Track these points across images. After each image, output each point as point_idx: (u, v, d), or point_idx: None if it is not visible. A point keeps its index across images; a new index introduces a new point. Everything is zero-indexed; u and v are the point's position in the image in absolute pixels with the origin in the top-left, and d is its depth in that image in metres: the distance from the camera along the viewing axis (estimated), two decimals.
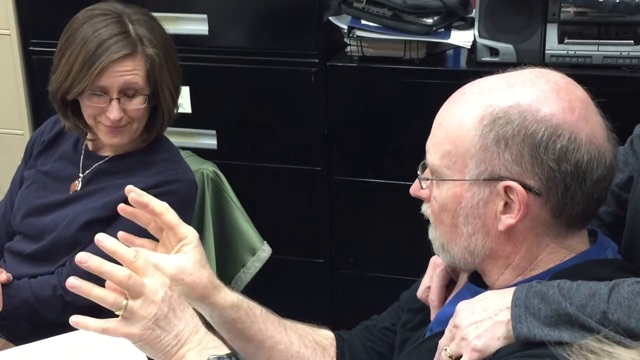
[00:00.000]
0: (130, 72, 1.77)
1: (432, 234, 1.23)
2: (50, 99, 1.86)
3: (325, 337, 1.42)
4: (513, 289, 1.10)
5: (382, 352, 1.40)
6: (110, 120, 1.77)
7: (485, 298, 1.11)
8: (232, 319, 1.28)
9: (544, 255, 1.15)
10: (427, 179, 1.19)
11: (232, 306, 1.27)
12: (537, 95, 1.11)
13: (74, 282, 1.04)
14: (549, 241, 1.15)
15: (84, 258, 1.04)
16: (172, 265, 1.21)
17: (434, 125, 1.19)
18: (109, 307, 1.06)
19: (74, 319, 1.06)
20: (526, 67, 1.18)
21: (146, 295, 1.06)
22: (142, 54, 1.79)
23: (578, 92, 1.14)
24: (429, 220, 1.24)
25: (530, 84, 1.13)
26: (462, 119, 1.13)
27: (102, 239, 1.09)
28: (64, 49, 1.79)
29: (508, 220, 1.12)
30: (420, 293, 1.35)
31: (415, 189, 1.23)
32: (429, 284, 1.33)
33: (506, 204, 1.12)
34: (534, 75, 1.15)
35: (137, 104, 1.79)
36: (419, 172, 1.22)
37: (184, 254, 1.23)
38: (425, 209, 1.23)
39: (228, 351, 1.10)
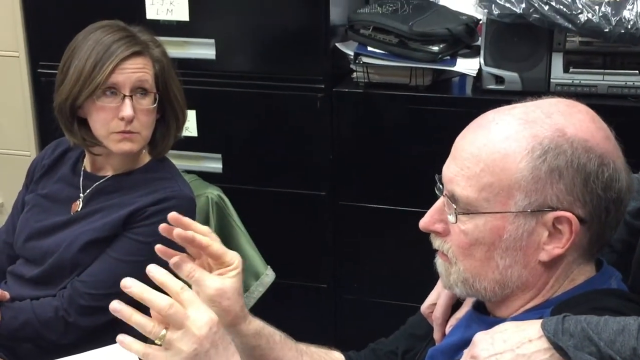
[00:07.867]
0: (141, 69, 1.81)
1: (448, 268, 1.18)
2: (56, 115, 1.86)
3: (336, 359, 1.43)
4: (532, 321, 1.08)
5: None
6: (123, 120, 1.79)
7: (505, 330, 1.09)
8: (253, 346, 1.28)
9: (566, 282, 1.15)
10: (466, 213, 1.12)
11: (254, 334, 1.27)
12: (579, 125, 1.11)
13: (115, 306, 1.01)
14: (574, 267, 1.15)
15: (128, 283, 1.02)
16: (214, 285, 1.21)
17: (464, 156, 1.14)
18: (147, 335, 1.03)
19: (120, 338, 1.02)
20: (543, 97, 1.18)
21: (187, 327, 1.02)
22: (150, 56, 1.84)
23: (603, 122, 1.16)
24: (434, 250, 1.19)
25: (567, 113, 1.13)
26: (507, 151, 1.10)
27: (152, 271, 1.04)
28: (71, 59, 1.82)
29: (555, 250, 1.11)
30: (424, 308, 1.34)
31: (429, 223, 1.18)
32: (435, 301, 1.32)
33: (549, 234, 1.11)
34: (564, 104, 1.15)
35: (148, 104, 1.82)
36: (447, 209, 1.15)
37: (228, 279, 1.23)
38: (442, 244, 1.18)
39: None
